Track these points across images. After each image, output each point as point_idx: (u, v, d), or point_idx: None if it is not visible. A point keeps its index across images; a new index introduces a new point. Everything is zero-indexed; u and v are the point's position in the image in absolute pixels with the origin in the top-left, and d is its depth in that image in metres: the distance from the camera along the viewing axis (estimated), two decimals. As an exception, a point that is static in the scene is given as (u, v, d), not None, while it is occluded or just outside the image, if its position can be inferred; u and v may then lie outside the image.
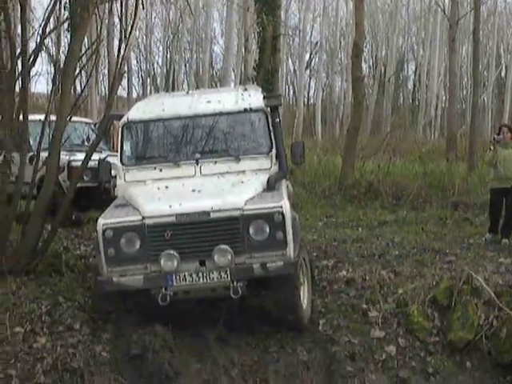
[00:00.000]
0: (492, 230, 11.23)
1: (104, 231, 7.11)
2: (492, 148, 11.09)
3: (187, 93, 9.77)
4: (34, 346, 7.20)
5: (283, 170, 8.11)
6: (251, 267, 7.07)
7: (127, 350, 7.28)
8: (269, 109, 8.23)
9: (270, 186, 7.68)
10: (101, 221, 7.20)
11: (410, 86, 53.70)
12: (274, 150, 8.12)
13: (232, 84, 30.74)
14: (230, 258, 6.98)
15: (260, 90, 9.28)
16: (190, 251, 7.07)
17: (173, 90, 40.26)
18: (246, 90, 8.94)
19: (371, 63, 53.16)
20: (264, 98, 8.42)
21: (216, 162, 8.07)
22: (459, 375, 7.45)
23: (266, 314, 7.86)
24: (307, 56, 48.08)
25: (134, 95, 46.00)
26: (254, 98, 8.52)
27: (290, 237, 7.09)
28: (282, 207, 7.09)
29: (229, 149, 8.26)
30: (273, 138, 8.15)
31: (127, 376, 7.08)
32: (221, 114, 8.34)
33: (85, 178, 11.72)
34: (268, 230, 7.06)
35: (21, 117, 9.44)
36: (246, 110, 8.31)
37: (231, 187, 7.58)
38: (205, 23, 36.59)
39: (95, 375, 6.86)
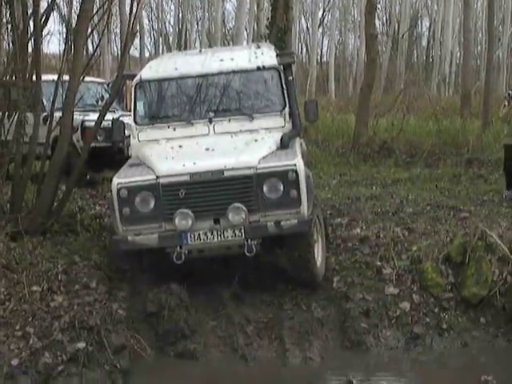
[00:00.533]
0: (510, 186, 11.15)
1: (119, 190, 7.15)
2: (507, 104, 11.00)
3: (200, 51, 9.74)
4: (52, 304, 7.28)
5: (297, 128, 8.11)
6: (265, 225, 7.10)
7: (143, 308, 7.37)
8: (282, 67, 8.21)
9: (284, 144, 7.69)
10: (115, 180, 7.23)
11: (424, 42, 53.13)
12: (287, 108, 8.10)
13: (245, 42, 30.56)
14: (244, 216, 7.01)
15: (273, 47, 9.24)
16: (204, 210, 7.11)
17: (185, 48, 40.05)
18: (258, 47, 8.90)
19: (385, 20, 52.67)
20: (277, 55, 8.40)
21: (229, 121, 8.06)
22: (473, 331, 7.48)
23: (281, 271, 7.91)
24: (320, 13, 47.67)
25: (147, 55, 45.76)
26: (267, 55, 8.48)
27: (303, 195, 7.10)
28: (295, 165, 7.11)
29: (242, 107, 8.25)
30: (286, 96, 8.13)
31: (143, 333, 7.18)
32: (234, 72, 8.31)
33: (98, 138, 11.72)
34: (282, 188, 7.08)
35: (34, 77, 9.44)
36: (259, 68, 8.28)
37: (245, 146, 7.58)
38: (217, -19, 36.28)
39: (112, 333, 6.92)
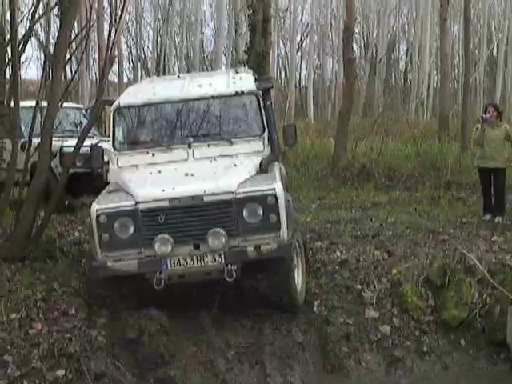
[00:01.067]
0: (487, 209, 11.22)
1: (98, 216, 7.10)
2: (479, 127, 11.09)
3: (179, 76, 9.76)
4: (30, 331, 7.22)
5: (276, 152, 8.13)
6: (245, 250, 7.08)
7: (123, 334, 7.30)
8: (260, 91, 8.26)
9: (263, 168, 7.70)
10: (94, 206, 7.19)
11: (402, 66, 53.45)
12: (266, 133, 8.14)
13: (223, 67, 30.66)
14: (223, 241, 6.99)
15: (251, 72, 9.29)
16: (184, 235, 7.08)
17: (164, 74, 40.07)
18: (237, 72, 8.94)
19: (362, 44, 52.98)
20: (255, 80, 8.45)
21: (208, 146, 8.07)
22: (454, 353, 7.52)
23: (261, 296, 7.89)
24: (298, 38, 47.98)
25: (125, 80, 45.83)
26: (246, 80, 8.52)
27: (283, 219, 7.10)
28: (274, 189, 7.11)
29: (221, 132, 8.27)
30: (265, 120, 8.17)
31: (123, 360, 7.12)
32: (212, 97, 8.34)
33: (77, 163, 11.69)
34: (261, 212, 7.07)
35: (12, 103, 9.42)
36: (237, 93, 8.31)
37: (224, 170, 7.58)
38: (195, 6, 36.42)
39: (91, 359, 6.88)
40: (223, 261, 7.08)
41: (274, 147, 8.13)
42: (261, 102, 8.23)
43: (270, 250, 7.07)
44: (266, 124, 8.16)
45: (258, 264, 7.35)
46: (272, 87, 8.41)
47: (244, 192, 7.12)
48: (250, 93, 8.30)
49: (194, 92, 8.40)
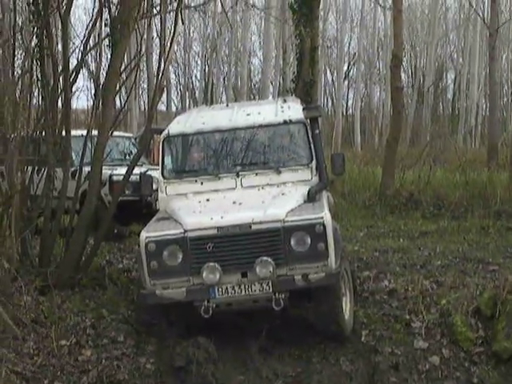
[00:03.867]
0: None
1: (147, 244, 7.17)
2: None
3: (227, 106, 9.85)
4: (80, 358, 7.28)
5: (323, 181, 8.15)
6: (293, 279, 7.08)
7: (171, 361, 7.31)
8: (308, 120, 8.30)
9: (311, 197, 7.72)
10: (143, 234, 7.26)
11: (450, 95, 53.23)
12: (314, 162, 8.17)
13: (270, 96, 30.81)
14: (271, 269, 7.01)
15: (299, 101, 9.32)
16: (232, 263, 7.12)
17: (211, 103, 40.42)
18: (285, 101, 9.00)
19: (410, 72, 52.90)
20: (304, 109, 8.48)
21: (257, 174, 8.13)
22: (504, 385, 7.37)
23: (308, 324, 7.85)
24: (345, 67, 48.00)
25: (173, 109, 46.36)
26: (294, 109, 8.58)
27: (331, 248, 7.10)
28: (323, 218, 7.11)
29: (269, 161, 8.31)
30: (313, 149, 8.20)
31: (172, 388, 7.12)
32: (261, 126, 8.40)
33: (126, 191, 11.80)
34: (309, 241, 7.07)
35: (63, 132, 9.57)
36: (285, 122, 8.36)
37: (272, 199, 7.61)
38: (243, 36, 36.68)
39: (140, 387, 6.90)
40: (271, 289, 7.09)
41: (322, 176, 8.14)
42: (309, 131, 8.26)
43: (318, 279, 7.06)
44: (314, 153, 8.19)
45: (305, 293, 7.36)
46: (320, 116, 8.46)
47: (292, 221, 7.13)
48: (298, 122, 8.33)
49: (243, 121, 8.48)
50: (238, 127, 8.42)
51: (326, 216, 7.16)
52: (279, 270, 7.07)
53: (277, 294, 7.08)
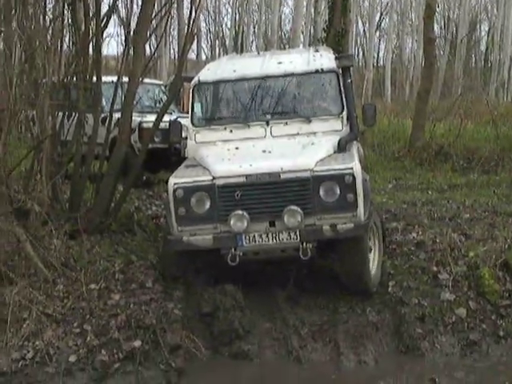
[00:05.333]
0: None
1: (175, 190, 7.16)
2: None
3: (258, 54, 9.77)
4: (109, 302, 7.36)
5: (354, 131, 8.06)
6: (321, 228, 7.05)
7: (198, 308, 7.40)
8: (340, 70, 8.20)
9: (341, 147, 7.66)
10: (172, 180, 7.25)
11: (483, 47, 52.57)
12: (345, 112, 8.07)
13: (301, 46, 30.55)
14: (299, 219, 6.97)
15: (331, 50, 9.23)
16: (260, 212, 7.09)
17: (241, 51, 40.16)
18: (317, 50, 8.92)
19: (443, 24, 52.21)
20: (336, 58, 8.39)
21: (286, 124, 8.05)
22: (531, 339, 7.37)
23: (336, 276, 7.88)
24: (377, 17, 47.49)
25: (203, 57, 46.19)
26: (326, 58, 8.49)
27: (360, 199, 7.05)
28: (352, 169, 7.05)
29: (299, 110, 8.23)
30: (344, 99, 8.11)
31: (198, 333, 7.17)
32: (292, 74, 8.32)
33: (155, 139, 11.83)
34: (338, 191, 7.02)
35: (94, 78, 9.57)
36: (317, 71, 8.27)
37: (302, 148, 7.56)
38: (274, -16, 36.31)
39: (167, 332, 6.94)
40: (298, 239, 7.06)
41: (353, 126, 8.05)
42: (340, 81, 8.16)
43: (346, 230, 7.03)
44: (345, 103, 8.09)
45: (332, 243, 7.34)
46: (352, 65, 8.34)
47: (322, 170, 7.08)
48: (330, 71, 8.24)
49: (274, 69, 8.39)
50: (269, 75, 8.34)
51: (356, 166, 7.11)
52: (307, 220, 7.04)
53: (304, 244, 7.05)
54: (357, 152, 7.78)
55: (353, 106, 8.15)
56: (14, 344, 6.56)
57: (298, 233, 7.06)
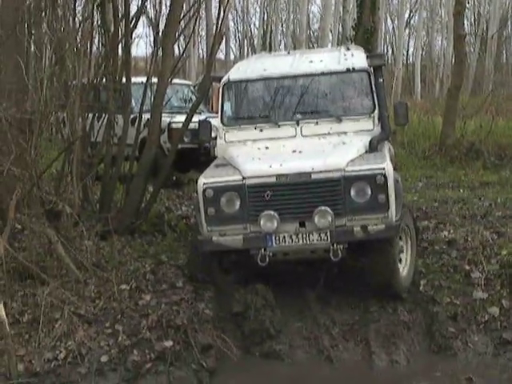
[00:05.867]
0: None
1: (204, 190, 7.12)
2: None
3: (288, 53, 9.72)
4: (140, 302, 7.37)
5: (386, 131, 7.98)
6: (352, 229, 6.97)
7: (229, 308, 7.39)
8: (372, 69, 8.12)
9: (373, 147, 7.56)
10: (201, 180, 7.21)
11: (514, 43, 52.06)
12: (376, 111, 7.99)
13: (329, 44, 30.48)
14: (330, 219, 6.90)
15: (363, 49, 9.16)
16: (290, 212, 7.03)
17: (270, 51, 40.19)
18: (348, 49, 8.86)
19: (473, 20, 51.79)
20: (367, 57, 8.32)
21: (317, 123, 7.98)
22: None
23: (364, 277, 7.81)
24: (407, 14, 47.24)
25: (232, 57, 46.22)
26: (357, 57, 8.42)
27: (392, 199, 6.96)
28: (384, 169, 6.96)
29: (330, 109, 8.16)
30: (376, 98, 8.02)
31: (229, 333, 7.17)
32: (323, 73, 8.25)
33: (185, 139, 11.88)
34: (370, 192, 6.94)
35: (124, 79, 9.62)
36: (348, 70, 8.18)
37: (332, 148, 7.49)
38: (302, -17, 36.23)
39: (198, 332, 6.93)
40: (329, 240, 6.99)
41: (384, 126, 7.96)
42: (372, 80, 8.08)
43: (377, 231, 6.95)
44: (376, 102, 8.01)
45: (363, 245, 7.25)
46: (384, 65, 8.27)
47: (353, 170, 7.00)
48: (362, 70, 8.15)
49: (304, 68, 8.34)
50: (299, 74, 8.29)
51: (388, 167, 7.02)
52: (338, 221, 6.97)
53: (335, 245, 6.99)
54: (388, 152, 7.71)
55: (384, 106, 8.06)
56: (47, 344, 6.59)
57: (328, 234, 6.98)
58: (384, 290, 7.53)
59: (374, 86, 8.07)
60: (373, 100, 8.04)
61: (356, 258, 7.71)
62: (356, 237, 6.99)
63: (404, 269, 7.59)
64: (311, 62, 8.44)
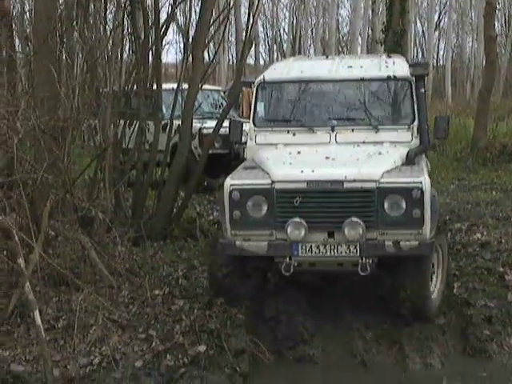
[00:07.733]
0: None
1: (231, 192, 6.81)
2: None
3: (327, 57, 9.58)
4: (173, 307, 7.38)
5: (425, 144, 7.62)
6: (383, 244, 6.64)
7: (262, 312, 7.37)
8: (414, 78, 7.76)
9: (410, 159, 7.17)
10: (228, 181, 6.90)
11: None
12: (416, 122, 7.65)
13: (359, 48, 30.41)
14: (361, 232, 6.57)
15: (404, 58, 8.94)
16: (319, 221, 6.72)
17: (299, 55, 40.20)
18: (389, 57, 8.62)
19: (503, 21, 51.39)
20: (410, 66, 8.04)
21: (353, 131, 7.69)
22: None
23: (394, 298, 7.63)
24: (436, 16, 47.02)
25: (261, 62, 46.27)
26: (399, 65, 8.13)
27: (427, 215, 6.61)
28: (421, 183, 6.61)
29: (368, 118, 7.82)
30: (416, 109, 7.68)
31: (262, 338, 7.12)
32: (362, 80, 7.95)
33: (216, 144, 11.92)
34: (404, 205, 6.59)
35: (154, 86, 9.68)
36: (389, 78, 7.88)
37: (368, 158, 7.15)
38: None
39: (231, 336, 6.92)
40: (358, 253, 6.67)
41: (424, 138, 7.61)
42: (413, 90, 7.74)
43: (410, 247, 6.61)
44: (416, 113, 7.67)
45: (394, 261, 6.92)
46: (427, 74, 7.98)
47: (388, 182, 6.67)
48: (403, 78, 7.84)
49: (344, 73, 8.07)
50: (338, 79, 8.04)
51: (425, 181, 6.67)
52: (369, 234, 6.65)
53: (364, 259, 6.67)
54: (426, 166, 7.40)
55: (425, 118, 7.71)
56: (82, 350, 6.63)
57: (357, 247, 6.66)
58: (413, 314, 7.19)
59: (414, 96, 7.72)
60: (413, 110, 7.71)
61: (385, 274, 7.31)
62: (387, 252, 6.66)
63: (433, 292, 7.29)
64: (350, 67, 8.17)
